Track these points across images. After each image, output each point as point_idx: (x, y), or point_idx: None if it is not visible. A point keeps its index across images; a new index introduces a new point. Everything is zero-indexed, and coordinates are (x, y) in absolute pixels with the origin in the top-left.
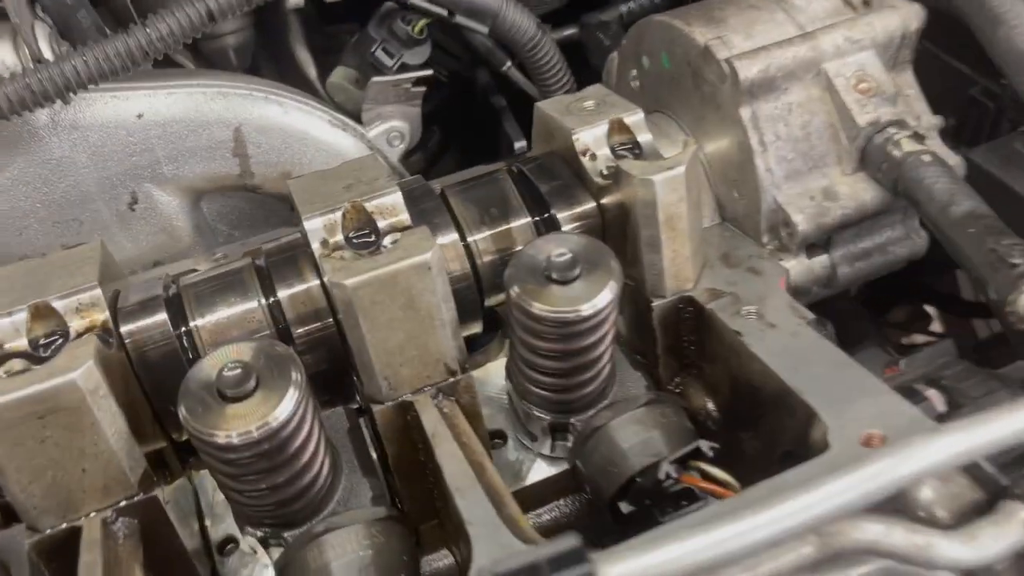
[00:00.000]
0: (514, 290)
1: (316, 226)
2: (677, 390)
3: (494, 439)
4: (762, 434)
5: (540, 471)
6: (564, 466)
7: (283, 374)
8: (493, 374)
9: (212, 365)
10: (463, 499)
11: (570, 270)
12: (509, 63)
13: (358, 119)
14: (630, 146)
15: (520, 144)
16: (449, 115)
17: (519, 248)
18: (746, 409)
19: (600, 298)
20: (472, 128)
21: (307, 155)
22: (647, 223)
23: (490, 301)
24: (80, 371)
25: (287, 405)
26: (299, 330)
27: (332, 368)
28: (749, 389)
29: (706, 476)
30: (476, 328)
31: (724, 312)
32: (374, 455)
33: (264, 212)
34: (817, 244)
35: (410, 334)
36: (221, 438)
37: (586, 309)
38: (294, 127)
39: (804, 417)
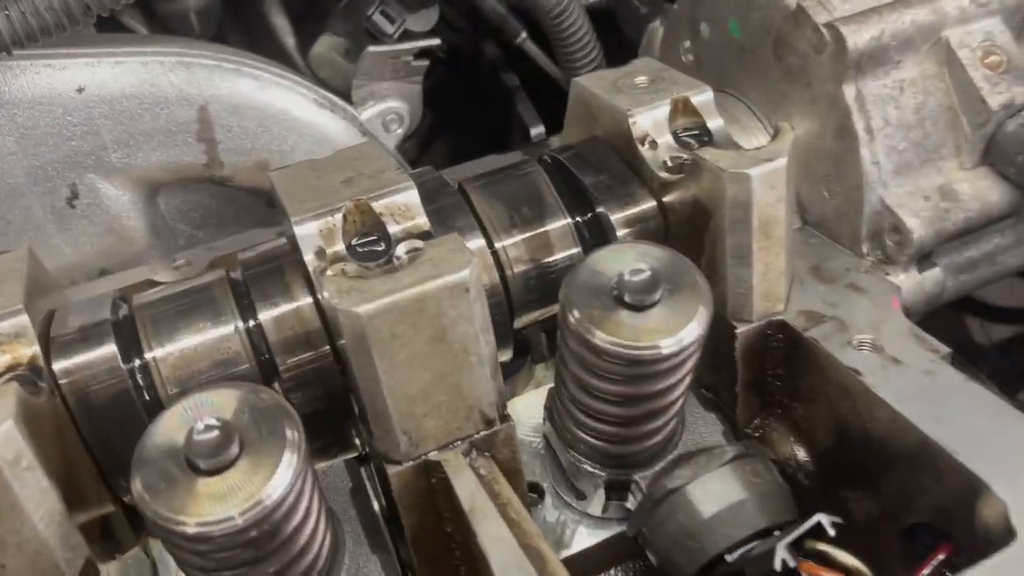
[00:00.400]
0: (573, 315)
1: (310, 231)
2: (756, 434)
3: (528, 493)
4: (882, 496)
5: (586, 536)
6: (614, 529)
7: (275, 433)
8: (521, 411)
9: (178, 423)
10: None
11: (649, 292)
12: (524, 34)
13: (348, 98)
14: (697, 132)
15: (538, 130)
16: (444, 95)
17: (557, 256)
18: (858, 463)
19: (687, 331)
20: (469, 110)
21: (288, 141)
22: (737, 228)
23: (520, 321)
24: None
25: (282, 479)
26: (287, 362)
27: (328, 407)
28: (866, 439)
29: (827, 562)
30: (506, 354)
31: (830, 342)
32: (382, 522)
33: (234, 209)
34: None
35: (439, 375)
36: (192, 527)
37: (669, 345)
38: (273, 106)
39: (961, 486)
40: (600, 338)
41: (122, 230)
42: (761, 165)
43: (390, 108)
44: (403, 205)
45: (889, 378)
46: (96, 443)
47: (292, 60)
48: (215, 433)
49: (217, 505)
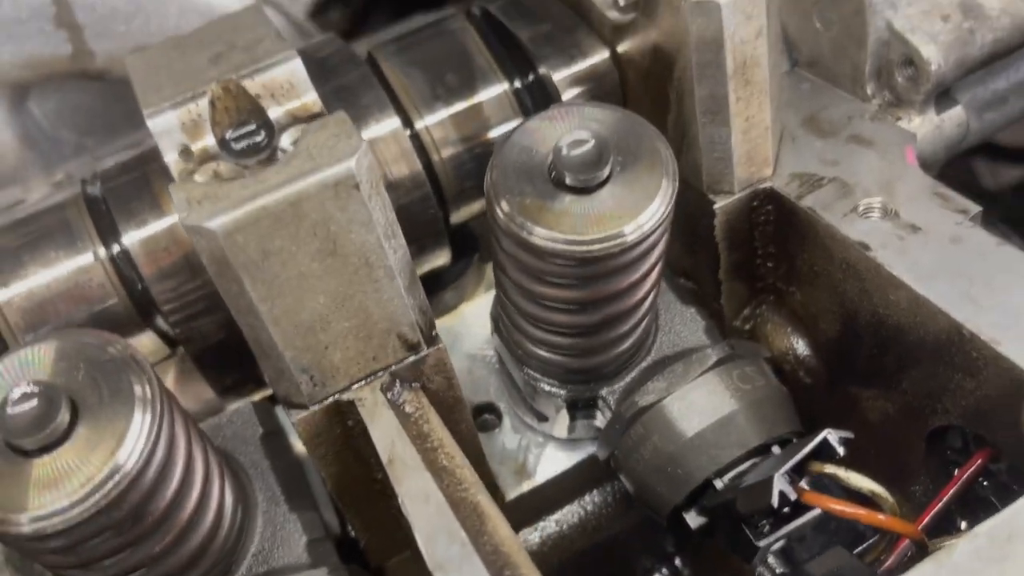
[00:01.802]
0: (502, 208)
1: (169, 124)
2: (746, 327)
3: (482, 415)
4: (901, 395)
5: (554, 462)
6: (585, 450)
7: (119, 390)
8: (472, 320)
9: None
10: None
11: (595, 168)
12: None
13: None
14: None
15: None
16: None
17: (496, 132)
18: (871, 357)
19: (648, 214)
20: None
21: (170, 18)
22: (707, 75)
23: (458, 215)
24: None
25: (133, 446)
26: (166, 291)
27: (230, 337)
28: (879, 328)
29: (836, 487)
30: (442, 259)
31: (831, 211)
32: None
33: (123, 107)
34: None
35: (337, 296)
36: (22, 524)
37: (626, 235)
38: None
39: (1003, 382)
40: (538, 235)
41: None
42: None
43: None
44: (286, 82)
45: (907, 251)
46: None
47: None
48: (34, 402)
49: (50, 493)
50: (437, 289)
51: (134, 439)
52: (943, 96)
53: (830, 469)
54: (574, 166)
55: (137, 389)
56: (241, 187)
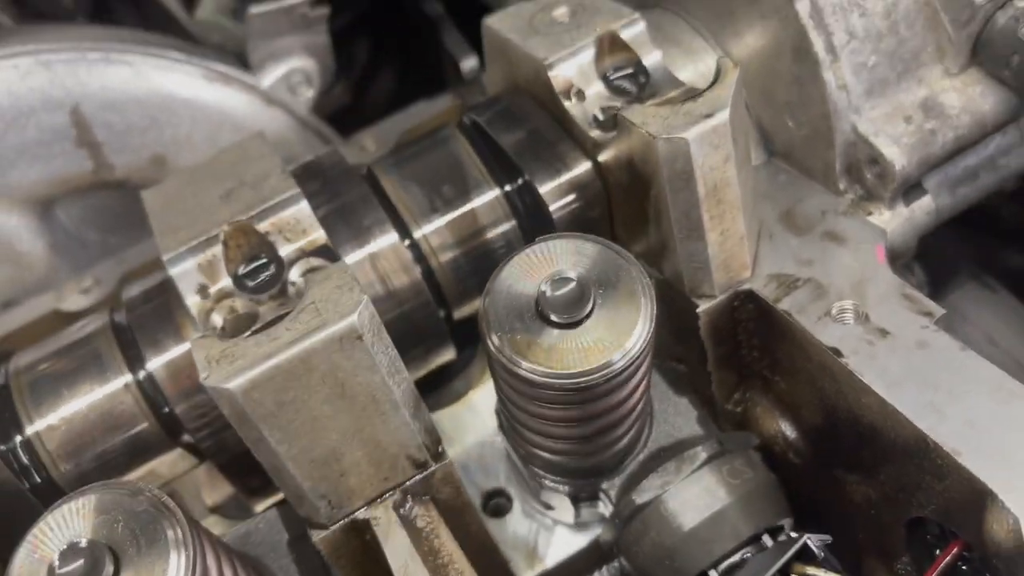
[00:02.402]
0: (493, 341)
1: (187, 268)
2: (738, 408)
3: (493, 499)
4: (881, 485)
5: (564, 545)
6: (592, 532)
7: (155, 538)
8: (481, 406)
9: (40, 554)
10: None
11: (578, 306)
12: None
13: (246, 62)
14: (631, 71)
15: (470, 64)
16: (372, 32)
17: (490, 235)
18: (851, 447)
19: (632, 340)
20: (404, 45)
21: (182, 128)
22: (680, 199)
23: (461, 312)
24: None
25: None
26: (190, 412)
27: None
28: (856, 425)
29: None
30: (447, 356)
31: (805, 315)
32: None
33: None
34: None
35: (348, 433)
36: None
37: (613, 363)
38: (156, 93)
39: (967, 491)
40: (526, 368)
41: (17, 256)
42: (699, 124)
43: (295, 68)
44: (292, 219)
45: (876, 356)
46: None
47: (183, 30)
48: (81, 562)
49: None
50: (445, 379)
51: None
52: (912, 187)
53: (811, 571)
54: (558, 306)
55: (170, 533)
56: (255, 345)
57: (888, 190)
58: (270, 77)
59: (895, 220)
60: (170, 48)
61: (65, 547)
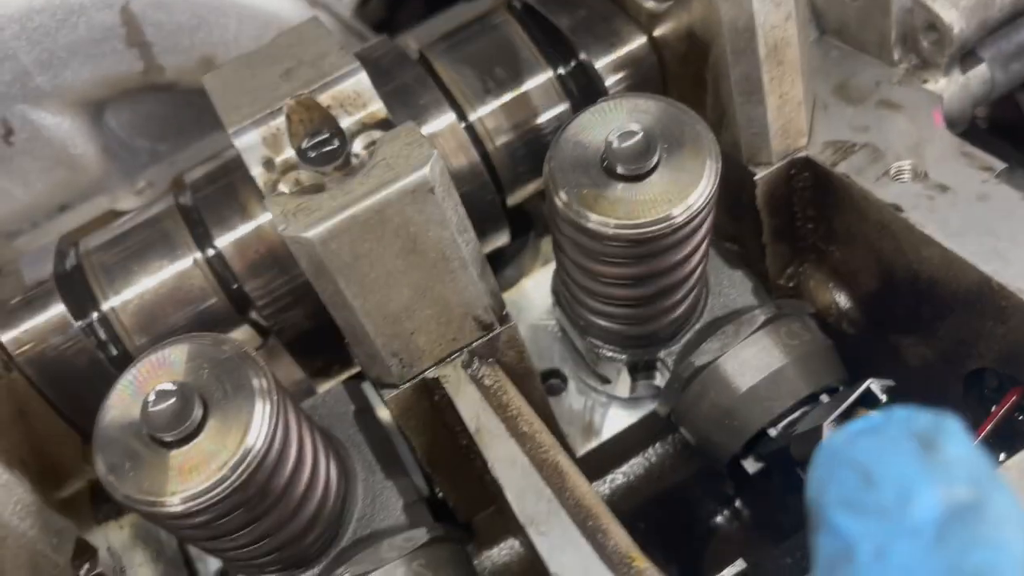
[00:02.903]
0: (560, 198)
1: (252, 141)
2: (790, 284)
3: (549, 380)
4: (938, 341)
5: (617, 419)
6: (646, 407)
7: (240, 384)
8: (533, 292)
9: (131, 394)
10: (540, 532)
11: (644, 158)
12: None
13: None
14: None
15: None
16: None
17: (543, 118)
18: (908, 307)
19: (696, 195)
20: None
21: (229, 29)
22: (741, 59)
23: (514, 198)
24: None
25: (258, 433)
26: (258, 287)
27: (317, 324)
28: (915, 282)
29: None
30: (502, 240)
31: (863, 175)
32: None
33: (193, 113)
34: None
35: (419, 288)
36: (173, 504)
37: (677, 215)
38: None
39: None
40: (595, 221)
41: (71, 159)
42: None
43: None
44: (352, 93)
45: (936, 210)
46: (71, 411)
47: None
48: (172, 401)
49: (193, 476)
50: (498, 267)
51: (258, 426)
52: (968, 55)
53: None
54: (625, 157)
55: (255, 382)
56: (330, 198)
57: (945, 55)
58: None
59: (951, 86)
60: None
61: (158, 389)
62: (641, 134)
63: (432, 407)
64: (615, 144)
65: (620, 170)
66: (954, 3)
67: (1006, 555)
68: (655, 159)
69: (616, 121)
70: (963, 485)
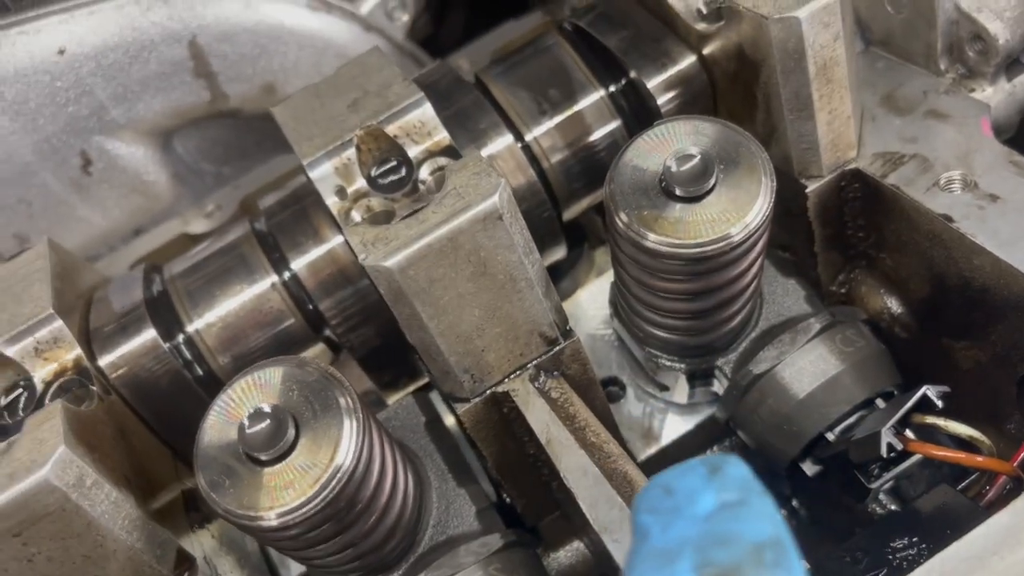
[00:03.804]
0: (621, 219)
1: (325, 172)
2: (843, 291)
3: (607, 387)
4: (991, 346)
5: (676, 425)
6: (704, 412)
7: (328, 404)
8: (588, 303)
9: (227, 418)
10: (615, 540)
11: (702, 180)
12: None
13: None
14: None
15: None
16: None
17: (596, 135)
18: (960, 313)
19: (753, 213)
20: None
21: (289, 56)
22: (791, 79)
23: (569, 212)
24: (50, 465)
25: (346, 451)
26: (331, 305)
27: (386, 341)
28: (966, 289)
29: (938, 435)
30: (559, 254)
31: (913, 186)
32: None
33: (254, 137)
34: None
35: (489, 308)
36: (270, 519)
37: (735, 234)
38: (264, 23)
39: None
40: (654, 241)
41: (145, 186)
42: (810, 3)
43: None
44: (417, 122)
45: (986, 219)
46: (162, 427)
47: None
48: (266, 422)
49: (288, 493)
50: (554, 279)
51: (347, 443)
52: (1014, 63)
53: (930, 420)
54: (683, 180)
55: (342, 401)
56: (406, 227)
57: (991, 65)
58: (368, 3)
59: (998, 95)
60: None
61: (251, 411)
62: (699, 157)
63: (502, 419)
64: (673, 167)
65: (679, 192)
66: (999, 14)
67: (750, 528)
68: (712, 181)
69: (673, 144)
70: (734, 492)
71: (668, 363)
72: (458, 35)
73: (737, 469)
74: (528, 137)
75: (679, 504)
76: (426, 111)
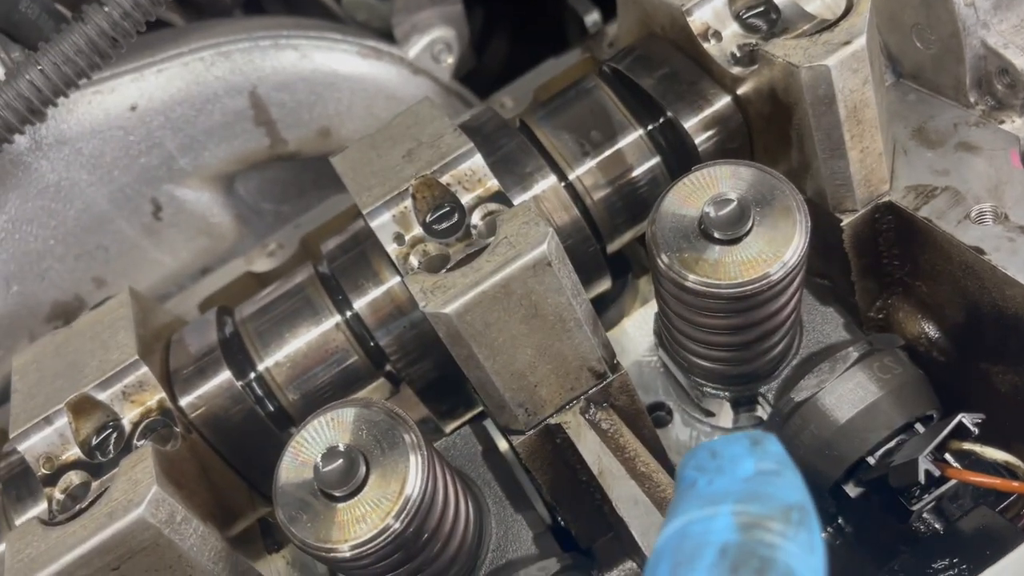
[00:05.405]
0: (662, 260)
1: (384, 220)
2: (880, 316)
3: (654, 412)
4: None
5: None
6: None
7: (394, 442)
8: (634, 331)
9: (303, 458)
10: None
11: (740, 224)
12: None
13: (391, 37)
14: (763, 9)
15: (592, 18)
16: None
17: (636, 172)
18: (997, 338)
19: (790, 253)
20: (518, 4)
21: (343, 101)
22: (823, 122)
23: (613, 245)
24: (145, 504)
25: (414, 484)
26: (388, 340)
27: (443, 372)
28: (1000, 317)
29: (975, 460)
30: (604, 286)
31: (945, 219)
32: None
33: (311, 176)
34: None
35: (541, 348)
36: (343, 551)
37: (773, 273)
38: (319, 72)
39: None
40: (694, 281)
41: (210, 228)
42: (838, 51)
43: (436, 38)
44: (469, 171)
45: (1017, 251)
46: (238, 461)
47: (331, 12)
48: (340, 461)
49: (360, 527)
50: (600, 310)
51: (414, 477)
52: None
53: (967, 446)
54: (721, 224)
55: (407, 438)
56: (462, 276)
57: (1019, 98)
58: (415, 48)
59: None
60: (327, 29)
61: (325, 451)
62: (736, 202)
63: (555, 449)
64: (711, 213)
65: (717, 235)
66: None
67: (782, 493)
68: (749, 224)
69: (711, 189)
70: (771, 462)
71: (712, 391)
72: (501, 62)
73: (775, 446)
74: (571, 176)
75: (723, 465)
76: (476, 160)
